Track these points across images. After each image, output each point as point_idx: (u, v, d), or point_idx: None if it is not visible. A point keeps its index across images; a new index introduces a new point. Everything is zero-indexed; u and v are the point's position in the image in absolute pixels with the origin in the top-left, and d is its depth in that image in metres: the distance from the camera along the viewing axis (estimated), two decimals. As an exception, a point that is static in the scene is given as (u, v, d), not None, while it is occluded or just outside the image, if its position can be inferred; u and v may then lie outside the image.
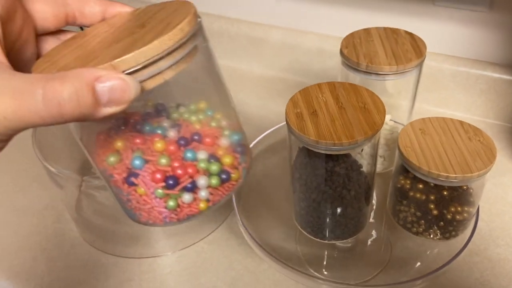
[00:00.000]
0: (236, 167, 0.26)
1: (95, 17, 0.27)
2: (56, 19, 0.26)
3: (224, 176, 0.26)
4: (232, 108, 0.27)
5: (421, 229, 0.41)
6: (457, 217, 0.39)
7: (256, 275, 0.49)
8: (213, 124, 0.26)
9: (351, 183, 0.39)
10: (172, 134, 0.23)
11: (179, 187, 0.24)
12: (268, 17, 0.78)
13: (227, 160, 0.25)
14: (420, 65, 0.43)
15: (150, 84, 0.21)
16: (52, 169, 0.48)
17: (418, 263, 0.48)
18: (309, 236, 0.42)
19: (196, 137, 0.24)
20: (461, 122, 0.40)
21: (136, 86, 0.20)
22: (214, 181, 0.25)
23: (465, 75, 0.64)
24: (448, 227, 0.40)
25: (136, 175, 0.23)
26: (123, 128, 0.24)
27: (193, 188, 0.24)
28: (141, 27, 0.23)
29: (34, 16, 0.25)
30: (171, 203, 0.25)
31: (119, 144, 0.24)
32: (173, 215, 0.25)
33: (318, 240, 0.42)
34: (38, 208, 0.59)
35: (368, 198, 0.41)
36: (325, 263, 0.50)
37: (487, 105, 0.66)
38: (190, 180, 0.24)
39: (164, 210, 0.25)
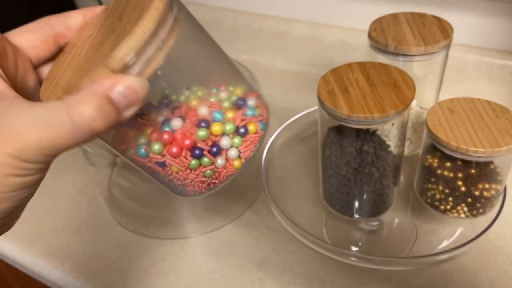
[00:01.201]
0: (250, 118, 0.27)
1: (76, 26, 0.27)
2: (46, 44, 0.26)
3: (242, 131, 0.27)
4: (231, 65, 0.27)
5: (448, 206, 0.42)
6: (485, 194, 0.40)
7: (284, 256, 0.50)
8: (214, 90, 0.27)
9: (379, 161, 0.40)
10: (176, 123, 0.24)
11: (205, 152, 0.25)
12: (291, 11, 0.80)
13: (229, 115, 0.26)
14: (447, 47, 0.44)
15: (148, 72, 0.21)
16: (88, 148, 0.50)
17: (444, 244, 0.49)
18: (338, 213, 0.43)
19: (203, 110, 0.25)
20: (488, 102, 0.41)
21: (142, 82, 0.21)
22: (236, 139, 0.26)
23: (489, 65, 0.65)
24: (476, 203, 0.41)
25: (163, 162, 0.25)
26: (139, 120, 0.25)
27: (219, 151, 0.25)
28: (119, 20, 0.23)
29: (24, 47, 0.25)
30: (208, 171, 0.26)
31: (146, 131, 0.25)
32: (214, 181, 0.27)
33: (346, 217, 0.43)
34: (72, 192, 0.61)
35: (395, 177, 0.42)
36: (351, 245, 0.51)
37: (511, 94, 0.66)
38: (210, 144, 0.25)
39: (204, 179, 0.26)
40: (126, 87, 0.20)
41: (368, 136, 0.40)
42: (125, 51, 0.20)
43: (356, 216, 0.43)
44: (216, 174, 0.26)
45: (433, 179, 0.42)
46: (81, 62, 0.22)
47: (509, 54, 0.64)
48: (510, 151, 0.37)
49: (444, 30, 0.44)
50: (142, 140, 0.24)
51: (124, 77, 0.20)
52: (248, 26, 0.83)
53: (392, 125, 0.37)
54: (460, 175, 0.40)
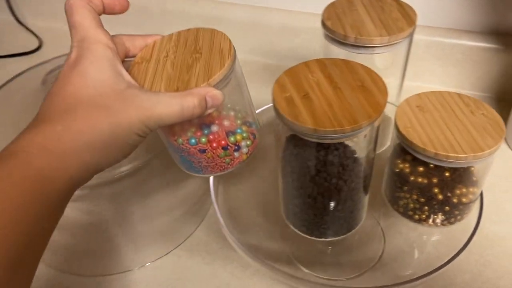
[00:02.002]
0: (254, 133, 0.37)
1: (140, 48, 0.35)
2: (122, 55, 0.33)
3: (251, 138, 0.36)
4: (250, 104, 0.38)
5: (424, 216, 0.37)
6: (463, 199, 0.36)
7: (244, 281, 0.44)
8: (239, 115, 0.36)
9: (347, 172, 0.35)
10: (214, 128, 0.34)
11: (229, 149, 0.35)
12: (227, -6, 0.72)
13: (244, 128, 0.36)
14: (411, 35, 0.39)
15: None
16: None
17: (415, 251, 0.45)
18: (305, 235, 0.38)
19: (226, 123, 0.35)
20: (460, 95, 0.37)
21: (221, 94, 0.31)
22: (249, 142, 0.36)
23: (440, 45, 0.62)
24: (454, 211, 0.37)
25: (204, 150, 0.35)
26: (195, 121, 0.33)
27: (239, 148, 0.35)
28: (197, 52, 0.33)
29: None
30: (227, 159, 0.36)
31: (193, 130, 0.34)
32: (229, 165, 0.36)
33: (314, 238, 0.38)
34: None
35: (366, 188, 0.37)
36: (316, 259, 0.46)
37: (463, 75, 0.63)
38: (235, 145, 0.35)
39: (224, 164, 0.36)
40: (214, 94, 0.31)
41: (331, 143, 0.34)
42: (218, 77, 0.31)
43: (326, 236, 0.37)
44: (232, 161, 0.36)
45: (405, 188, 0.37)
46: (173, 75, 0.32)
47: (459, 33, 0.61)
48: (493, 153, 0.33)
49: (407, 15, 0.38)
50: (189, 134, 0.34)
51: (214, 89, 0.31)
52: (178, 10, 0.74)
53: (365, 136, 0.31)
54: (435, 180, 0.36)
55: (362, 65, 0.33)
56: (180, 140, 0.34)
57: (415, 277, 0.36)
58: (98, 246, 0.46)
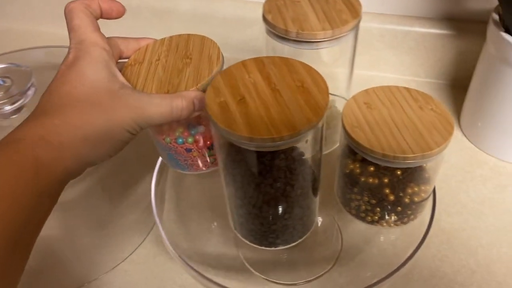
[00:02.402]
0: None
1: (134, 50, 0.37)
2: (116, 57, 0.35)
3: None
4: None
5: (376, 217, 0.36)
6: (415, 198, 0.35)
7: (197, 293, 0.42)
8: None
9: (294, 176, 0.32)
10: (201, 128, 0.36)
11: (214, 150, 0.36)
12: (172, -15, 0.68)
13: None
14: (356, 27, 0.37)
15: None
16: None
17: (373, 249, 0.44)
18: (253, 245, 0.35)
19: None
20: (408, 90, 0.35)
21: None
22: None
23: (393, 33, 0.60)
24: (407, 211, 0.35)
25: (190, 149, 0.36)
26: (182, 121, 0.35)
27: None
28: (187, 58, 0.35)
29: None
30: (212, 158, 0.37)
31: (180, 130, 0.35)
32: (213, 164, 0.38)
33: (264, 248, 0.35)
34: None
35: (315, 191, 0.35)
36: (271, 263, 0.44)
37: (417, 62, 0.62)
38: None
39: (208, 163, 0.38)
40: (202, 98, 0.32)
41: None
42: (206, 82, 0.33)
43: (274, 245, 0.35)
44: (216, 161, 0.37)
45: (356, 189, 0.35)
46: (164, 78, 0.33)
47: (411, 19, 0.59)
48: (442, 151, 0.31)
49: (351, 6, 0.36)
50: (177, 134, 0.35)
51: (201, 93, 0.32)
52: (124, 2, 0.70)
53: (306, 141, 0.29)
54: (386, 180, 0.34)
55: (302, 63, 0.30)
56: (168, 139, 0.36)
57: (374, 281, 0.34)
58: (41, 263, 0.43)
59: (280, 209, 0.33)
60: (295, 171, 0.32)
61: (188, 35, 0.37)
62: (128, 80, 0.34)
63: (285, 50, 0.39)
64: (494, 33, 0.46)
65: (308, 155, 0.33)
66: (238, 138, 0.26)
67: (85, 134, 0.29)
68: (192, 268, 0.35)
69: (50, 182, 0.28)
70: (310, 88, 0.29)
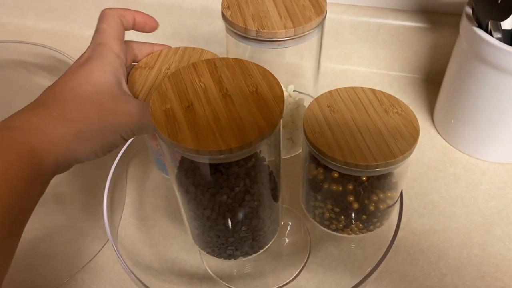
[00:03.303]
0: None
1: (147, 54, 0.38)
2: (130, 60, 0.36)
3: None
4: None
5: (341, 226, 0.34)
6: (381, 206, 0.33)
7: (157, 302, 0.40)
8: None
9: (254, 184, 0.31)
10: None
11: None
12: (137, -26, 0.64)
13: None
14: (321, 24, 0.34)
15: None
16: None
17: (342, 253, 0.42)
18: (212, 256, 0.34)
19: None
20: (374, 91, 0.33)
21: None
22: None
23: (366, 25, 0.58)
24: (372, 219, 0.34)
25: None
26: None
27: None
28: None
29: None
30: None
31: None
32: None
33: (223, 259, 0.34)
34: None
35: (276, 198, 0.33)
36: (237, 271, 0.42)
37: (391, 56, 0.60)
38: None
39: None
40: None
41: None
42: None
43: (234, 257, 0.33)
44: None
45: (319, 196, 0.33)
46: None
47: (385, 12, 0.57)
48: (406, 158, 0.30)
49: (316, 2, 0.34)
50: None
51: None
52: (85, -5, 0.66)
53: (260, 152, 0.27)
54: (350, 187, 0.32)
55: (257, 66, 0.28)
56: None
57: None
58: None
59: (238, 220, 0.31)
60: (254, 178, 0.30)
61: (202, 50, 0.39)
62: (135, 82, 0.36)
63: (248, 48, 0.37)
64: (466, 27, 0.44)
65: (266, 159, 0.31)
66: (183, 150, 0.24)
67: (79, 129, 0.30)
68: (140, 281, 0.32)
69: (41, 172, 0.28)
70: (265, 94, 0.26)
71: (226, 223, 0.30)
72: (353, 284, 0.32)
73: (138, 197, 0.48)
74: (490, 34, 0.42)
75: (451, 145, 0.52)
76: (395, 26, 0.57)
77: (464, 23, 0.45)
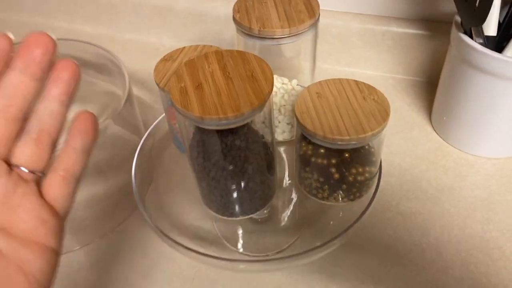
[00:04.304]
0: None
1: None
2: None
3: None
4: None
5: (326, 194, 0.40)
6: (359, 178, 0.39)
7: (173, 260, 0.47)
8: None
9: (252, 155, 0.37)
10: None
11: None
12: (171, -15, 0.73)
13: None
14: (315, 26, 0.41)
15: None
16: None
17: (332, 225, 0.48)
18: (217, 215, 0.41)
19: None
20: (357, 82, 0.39)
21: None
22: None
23: (372, 32, 0.64)
24: (352, 189, 0.40)
25: None
26: None
27: None
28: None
29: None
30: None
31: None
32: None
33: (226, 218, 0.40)
34: None
35: (271, 169, 0.39)
36: (242, 237, 0.49)
37: (395, 60, 0.66)
38: None
39: None
40: None
41: (239, 129, 0.36)
42: None
43: (236, 215, 0.40)
44: None
45: (308, 168, 0.40)
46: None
47: (389, 20, 0.63)
48: (377, 135, 0.36)
49: (310, 7, 0.41)
50: None
51: None
52: (126, 1, 0.75)
53: (251, 122, 0.34)
54: (333, 161, 0.38)
55: (256, 57, 0.35)
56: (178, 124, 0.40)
57: (324, 242, 0.39)
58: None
59: (237, 182, 0.37)
60: (253, 151, 0.37)
61: (217, 47, 0.43)
62: (159, 71, 0.42)
63: (257, 46, 0.44)
64: (455, 34, 0.50)
65: (264, 137, 0.38)
66: (191, 116, 0.32)
67: None
68: (167, 236, 0.40)
69: None
70: (258, 77, 0.33)
71: (227, 184, 0.37)
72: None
73: (161, 173, 0.55)
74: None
75: (445, 141, 0.57)
76: (398, 33, 0.63)
77: (453, 30, 0.51)
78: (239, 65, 0.35)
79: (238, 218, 0.40)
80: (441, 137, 0.58)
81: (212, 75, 0.34)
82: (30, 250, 0.24)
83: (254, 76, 0.34)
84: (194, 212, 0.51)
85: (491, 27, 0.49)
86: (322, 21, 0.65)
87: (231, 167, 0.37)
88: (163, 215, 0.50)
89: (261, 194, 0.39)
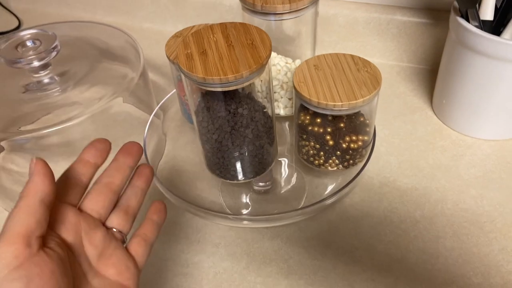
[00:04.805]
0: None
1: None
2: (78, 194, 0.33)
3: None
4: None
5: (321, 161, 0.43)
6: (352, 145, 0.42)
7: (179, 224, 0.51)
8: None
9: (254, 122, 0.41)
10: None
11: None
12: (187, -24, 0.77)
13: None
14: (315, 3, 0.44)
15: None
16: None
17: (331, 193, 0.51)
18: (220, 178, 0.44)
19: None
20: (352, 56, 0.42)
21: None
22: None
23: (377, 20, 0.67)
24: (345, 155, 0.42)
25: None
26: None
27: None
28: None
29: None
30: None
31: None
32: None
33: (228, 181, 0.44)
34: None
35: (269, 136, 0.42)
36: (245, 208, 0.52)
37: (400, 49, 0.68)
38: None
39: None
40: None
41: (242, 98, 0.40)
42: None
43: (236, 178, 0.43)
44: None
45: (305, 136, 0.43)
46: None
47: (394, 8, 0.66)
48: (367, 101, 0.38)
49: (310, -13, 0.44)
50: None
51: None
52: (145, -6, 0.80)
53: (253, 84, 0.37)
54: (329, 129, 0.41)
55: (257, 28, 0.38)
56: (186, 97, 0.43)
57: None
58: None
59: (238, 144, 0.41)
60: (254, 118, 0.40)
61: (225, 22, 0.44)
62: (170, 46, 0.47)
63: (264, 26, 0.47)
64: (453, 18, 0.52)
65: (266, 107, 0.41)
66: (195, 78, 0.35)
67: None
68: (178, 196, 0.43)
69: None
70: (258, 45, 0.37)
71: (228, 145, 0.40)
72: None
73: (172, 149, 0.59)
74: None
75: (444, 124, 0.59)
76: (402, 21, 0.65)
77: (452, 14, 0.53)
78: (240, 34, 0.38)
79: (239, 181, 0.43)
80: (440, 120, 0.60)
81: (216, 43, 0.37)
82: None
83: (254, 44, 0.37)
84: (202, 185, 0.54)
85: (487, 12, 0.51)
86: (329, 11, 0.69)
87: (233, 131, 0.40)
88: (172, 187, 0.54)
89: (260, 159, 0.42)
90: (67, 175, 0.32)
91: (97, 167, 0.33)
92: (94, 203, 0.32)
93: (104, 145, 0.33)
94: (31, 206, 0.26)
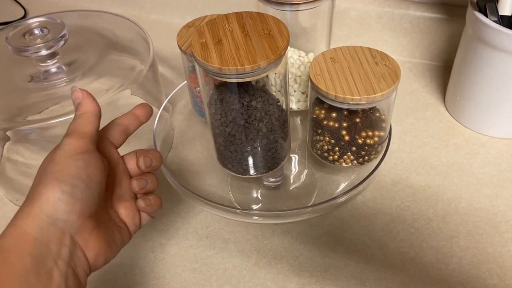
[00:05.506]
0: None
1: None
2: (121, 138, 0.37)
3: None
4: None
5: (336, 156, 0.42)
6: (368, 141, 0.41)
7: (188, 219, 0.50)
8: None
9: (267, 116, 0.39)
10: None
11: None
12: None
13: None
14: (331, -5, 0.43)
15: None
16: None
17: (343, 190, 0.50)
18: (231, 172, 0.43)
19: None
20: (370, 49, 0.41)
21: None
22: None
23: (390, 15, 0.66)
24: (361, 151, 0.41)
25: None
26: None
27: None
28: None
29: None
30: None
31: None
32: None
33: (240, 176, 0.43)
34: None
35: (283, 131, 0.41)
36: (255, 204, 0.51)
37: (413, 44, 0.67)
38: None
39: None
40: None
41: (256, 91, 0.38)
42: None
43: (248, 173, 0.42)
44: None
45: (320, 131, 0.42)
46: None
47: (408, 3, 0.64)
48: (386, 97, 0.37)
49: (327, -23, 0.43)
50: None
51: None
52: (153, -16, 0.79)
53: (267, 76, 0.36)
54: (345, 124, 0.40)
55: (273, 17, 0.37)
56: (198, 89, 0.47)
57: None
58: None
59: (250, 139, 0.40)
60: (268, 112, 0.39)
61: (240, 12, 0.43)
62: (182, 36, 0.46)
63: (279, 16, 0.46)
64: (470, 13, 0.51)
65: (280, 101, 0.40)
66: (211, 68, 0.34)
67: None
68: (189, 190, 0.42)
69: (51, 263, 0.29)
70: (275, 35, 0.35)
71: (242, 138, 0.39)
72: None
73: (180, 143, 0.58)
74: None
75: (457, 121, 0.58)
76: (415, 16, 0.64)
77: (469, 9, 0.52)
78: (257, 24, 0.37)
79: (251, 176, 0.42)
80: (453, 117, 0.59)
81: (231, 33, 0.36)
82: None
83: (271, 34, 0.36)
84: (212, 179, 0.53)
85: (506, 7, 0.50)
86: (342, 5, 0.67)
87: (247, 125, 0.39)
88: (181, 179, 0.53)
89: (274, 153, 0.41)
90: (117, 122, 0.36)
91: (141, 123, 0.37)
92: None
93: (150, 109, 0.38)
94: (90, 118, 0.33)
